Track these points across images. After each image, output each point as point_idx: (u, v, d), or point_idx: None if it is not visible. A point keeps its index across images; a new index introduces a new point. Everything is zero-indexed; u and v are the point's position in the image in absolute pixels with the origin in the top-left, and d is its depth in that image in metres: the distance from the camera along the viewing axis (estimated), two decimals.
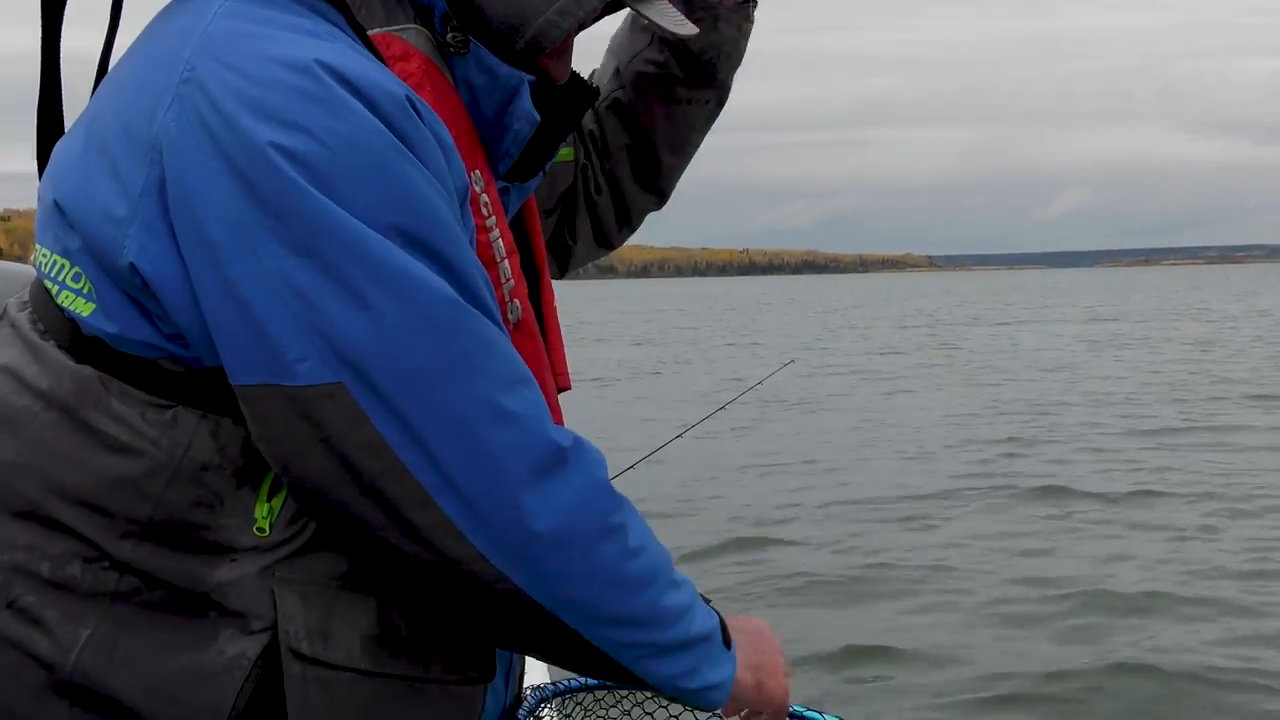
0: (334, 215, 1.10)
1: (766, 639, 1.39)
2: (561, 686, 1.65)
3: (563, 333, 1.51)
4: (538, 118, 1.29)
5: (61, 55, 1.33)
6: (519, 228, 1.44)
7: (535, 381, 1.19)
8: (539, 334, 1.34)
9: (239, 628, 1.17)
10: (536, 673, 2.57)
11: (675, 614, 1.23)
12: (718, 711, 1.40)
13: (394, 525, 1.14)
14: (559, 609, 1.17)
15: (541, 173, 1.42)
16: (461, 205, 1.21)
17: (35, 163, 1.32)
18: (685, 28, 1.33)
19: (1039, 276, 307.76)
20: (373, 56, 1.19)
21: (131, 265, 1.15)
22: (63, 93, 1.34)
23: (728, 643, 1.31)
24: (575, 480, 1.16)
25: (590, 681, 1.64)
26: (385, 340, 1.11)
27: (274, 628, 1.16)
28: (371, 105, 1.12)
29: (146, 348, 1.18)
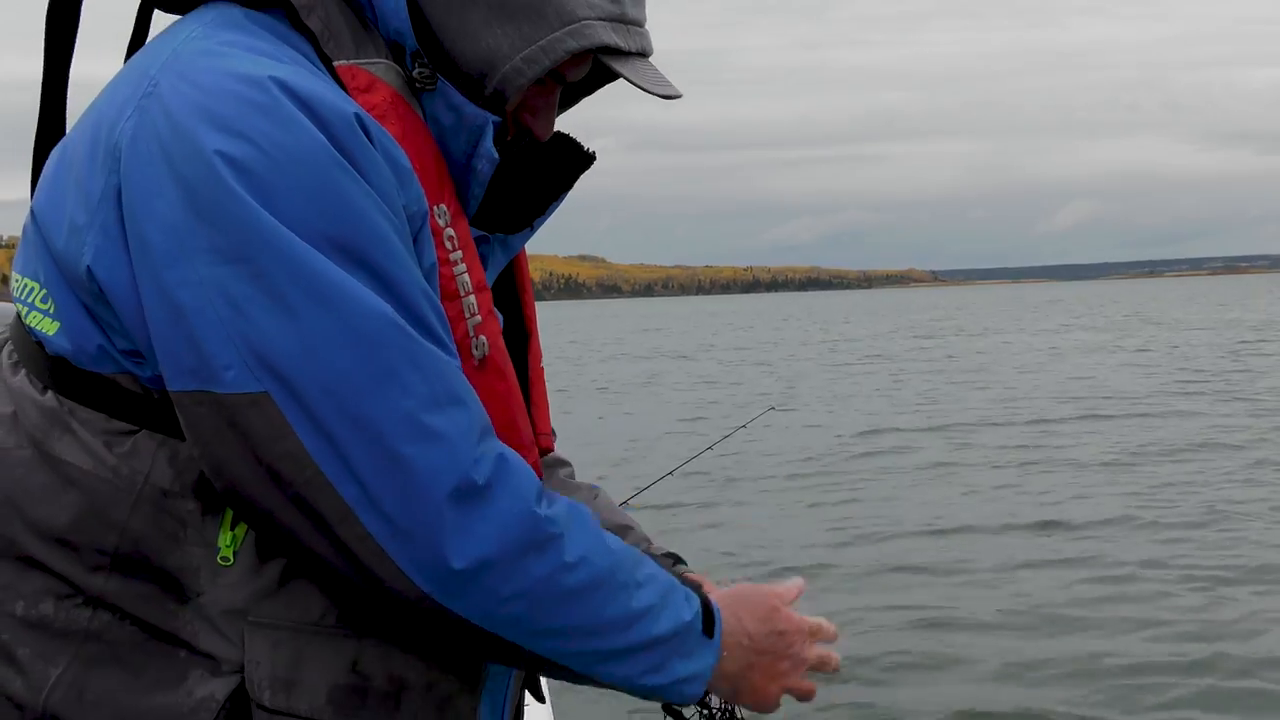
0: (268, 225, 1.11)
1: (772, 624, 1.34)
2: None
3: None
4: (496, 156, 1.28)
5: (70, 83, 1.36)
6: (508, 283, 1.43)
7: (469, 405, 1.17)
8: (513, 375, 1.32)
9: (208, 669, 1.17)
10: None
11: (632, 618, 1.21)
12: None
13: (321, 537, 1.14)
14: (492, 626, 1.17)
15: (530, 229, 1.41)
16: (418, 230, 1.21)
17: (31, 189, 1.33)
18: (668, 89, 1.31)
19: (1042, 290, 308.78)
20: (330, 79, 1.20)
21: (89, 270, 1.17)
22: (66, 120, 1.36)
23: (710, 630, 1.28)
24: (499, 504, 1.15)
25: None
26: (309, 351, 1.11)
27: (243, 671, 1.17)
28: (318, 120, 1.13)
29: (104, 361, 1.19)
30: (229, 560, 1.18)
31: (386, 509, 1.12)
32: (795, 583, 1.42)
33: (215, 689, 1.16)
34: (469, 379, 1.23)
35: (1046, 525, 9.62)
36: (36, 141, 1.34)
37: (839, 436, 15.48)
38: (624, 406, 21.09)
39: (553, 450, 1.43)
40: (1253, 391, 19.51)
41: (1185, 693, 6.03)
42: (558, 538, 1.18)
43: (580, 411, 19.44)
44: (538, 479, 1.21)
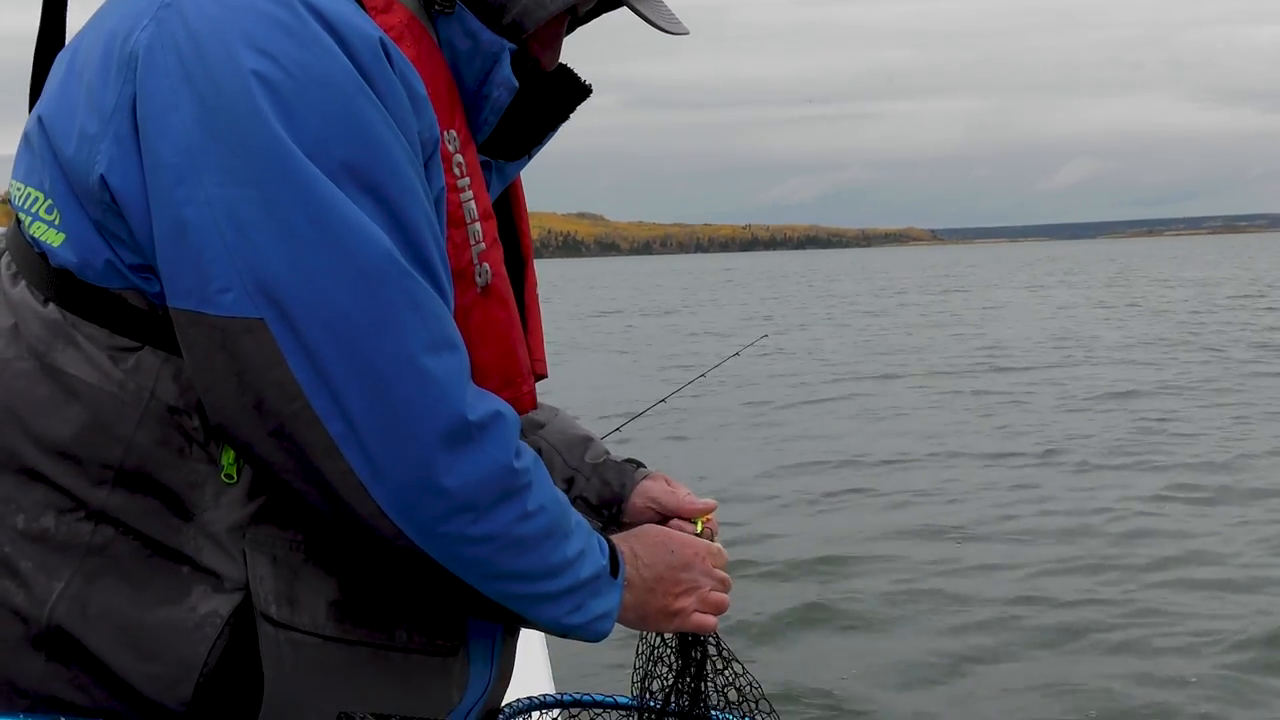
0: (285, 149, 1.10)
1: (666, 554, 1.41)
2: (536, 701, 1.72)
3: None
4: (516, 84, 1.29)
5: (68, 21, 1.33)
6: (504, 210, 1.42)
7: (463, 349, 1.19)
8: (514, 304, 1.33)
9: (212, 585, 1.17)
10: (537, 668, 2.53)
11: (565, 564, 1.26)
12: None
13: (299, 471, 1.14)
14: (455, 567, 1.19)
15: (528, 156, 1.41)
16: (429, 158, 1.20)
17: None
18: (677, 26, 1.34)
19: (1040, 248, 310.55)
20: (352, 1, 1.19)
21: (101, 179, 1.15)
22: (66, 30, 1.33)
23: (616, 570, 1.34)
24: (483, 453, 1.17)
25: (566, 697, 1.73)
26: (311, 282, 1.10)
27: (246, 588, 1.17)
28: (342, 43, 1.13)
29: (111, 276, 1.18)
30: (232, 479, 1.18)
31: (373, 447, 1.13)
32: (705, 502, 1.56)
33: (219, 605, 1.17)
34: (472, 306, 1.25)
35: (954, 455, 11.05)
36: (37, 50, 1.33)
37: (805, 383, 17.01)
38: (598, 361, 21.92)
39: (546, 375, 1.45)
40: (1203, 344, 21.01)
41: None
42: (526, 487, 1.21)
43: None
44: (518, 426, 1.23)
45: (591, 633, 1.31)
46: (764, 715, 1.55)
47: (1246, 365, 17.73)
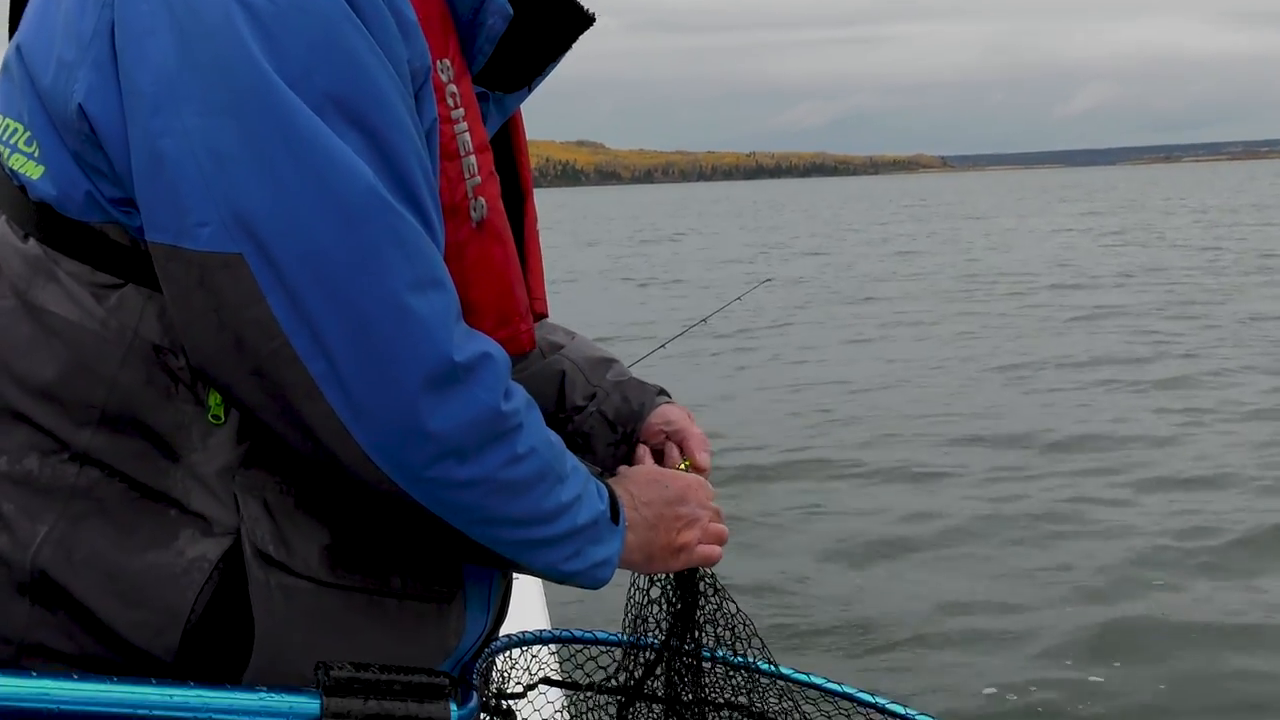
0: (266, 78, 1.06)
1: (661, 489, 1.40)
2: (515, 639, 1.68)
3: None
4: (510, 11, 1.25)
5: None
6: (504, 144, 1.39)
7: (451, 288, 1.15)
8: (511, 240, 1.30)
9: (200, 529, 1.14)
10: (534, 612, 2.60)
11: (560, 509, 1.23)
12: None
13: (280, 413, 1.11)
14: (443, 512, 1.16)
15: (528, 89, 1.37)
16: (420, 87, 1.16)
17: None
18: None
19: (1053, 175, 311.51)
20: None
21: (79, 108, 1.12)
22: None
23: (616, 516, 1.31)
24: (470, 395, 1.13)
25: (545, 633, 1.70)
26: (291, 216, 1.07)
27: (236, 532, 1.14)
28: None
29: (91, 210, 1.15)
30: (220, 420, 1.15)
31: (355, 389, 1.10)
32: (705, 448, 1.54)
33: (207, 549, 1.14)
34: (466, 242, 1.22)
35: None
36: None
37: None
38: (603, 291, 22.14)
39: (547, 315, 1.41)
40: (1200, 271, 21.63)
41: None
42: (516, 429, 1.18)
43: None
44: (507, 367, 1.19)
45: (590, 579, 1.29)
46: (756, 652, 1.53)
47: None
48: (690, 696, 1.52)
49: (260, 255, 1.07)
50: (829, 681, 1.58)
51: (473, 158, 1.24)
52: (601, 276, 25.46)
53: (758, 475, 8.08)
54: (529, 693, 1.68)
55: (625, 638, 1.57)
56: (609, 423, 1.58)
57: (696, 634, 1.52)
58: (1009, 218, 47.06)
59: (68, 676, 1.04)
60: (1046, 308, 17.05)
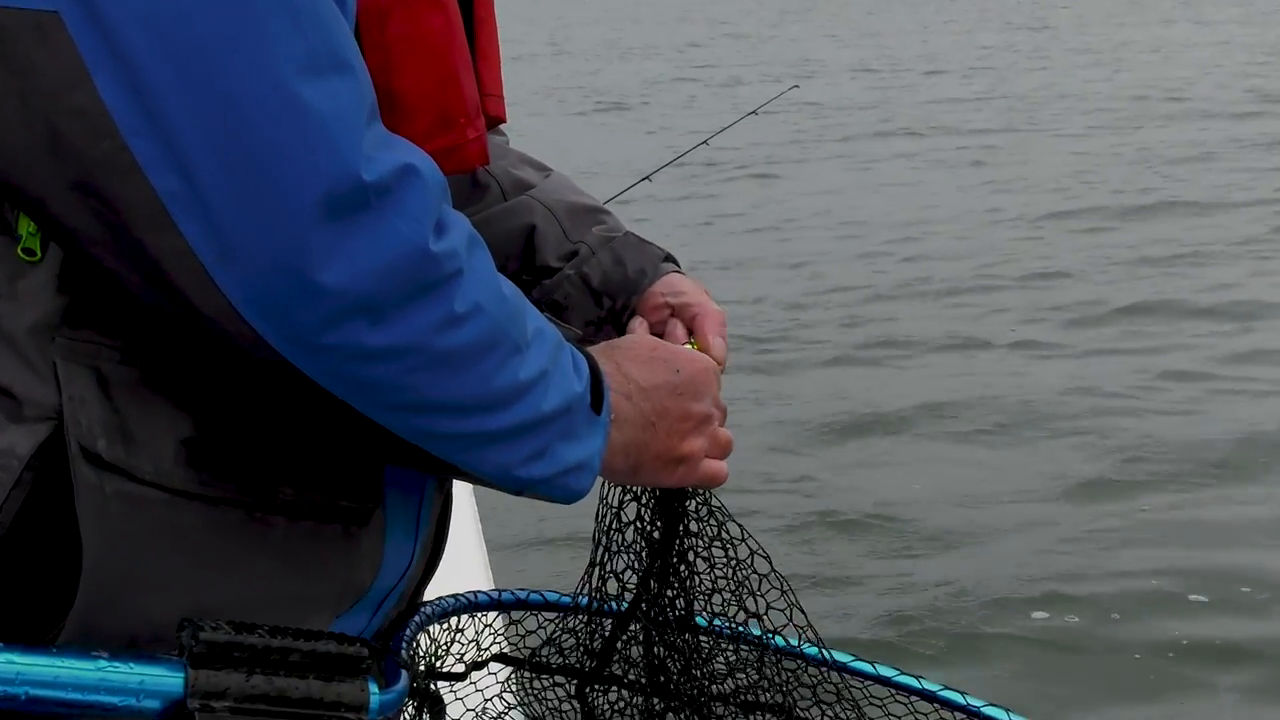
0: None
1: (670, 373, 1.08)
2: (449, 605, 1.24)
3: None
4: None
5: None
6: None
7: (362, 72, 0.86)
8: (456, 9, 1.00)
9: (6, 411, 0.87)
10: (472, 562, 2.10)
11: (517, 390, 0.94)
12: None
13: (113, 245, 0.83)
14: (348, 394, 0.88)
15: None
16: None
17: None
18: None
19: None
20: None
21: None
22: None
23: (599, 404, 1.02)
24: (386, 228, 0.84)
25: (482, 599, 1.28)
26: None
27: (57, 416, 0.86)
28: None
29: None
30: (35, 255, 0.87)
31: (220, 215, 0.81)
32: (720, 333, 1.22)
33: (15, 441, 0.86)
34: (391, 7, 0.92)
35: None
36: None
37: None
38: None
39: (504, 119, 1.13)
40: None
41: None
42: (453, 277, 0.89)
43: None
44: (442, 189, 0.89)
45: (560, 489, 1.00)
46: (776, 612, 1.16)
47: None
48: (677, 670, 1.17)
49: (85, 13, 0.79)
50: (901, 674, 1.21)
51: None
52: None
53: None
54: (473, 673, 1.29)
55: (585, 599, 1.23)
56: (592, 292, 1.25)
57: (684, 579, 1.17)
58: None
59: None
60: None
